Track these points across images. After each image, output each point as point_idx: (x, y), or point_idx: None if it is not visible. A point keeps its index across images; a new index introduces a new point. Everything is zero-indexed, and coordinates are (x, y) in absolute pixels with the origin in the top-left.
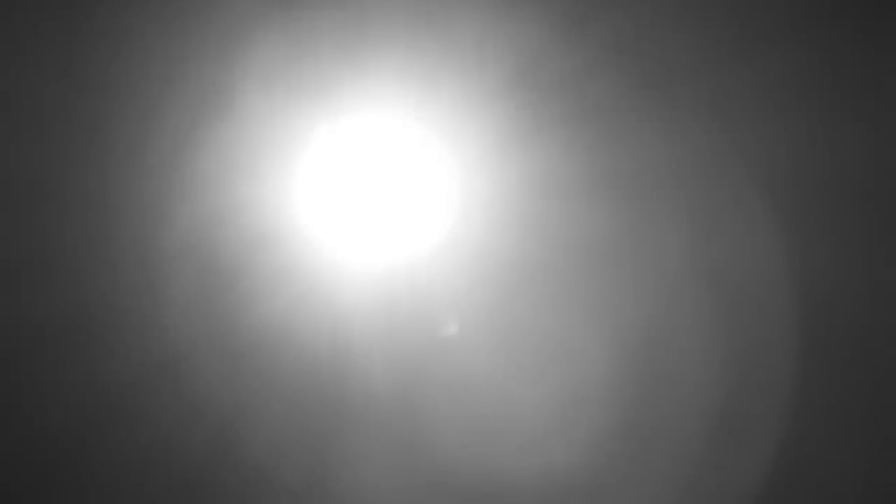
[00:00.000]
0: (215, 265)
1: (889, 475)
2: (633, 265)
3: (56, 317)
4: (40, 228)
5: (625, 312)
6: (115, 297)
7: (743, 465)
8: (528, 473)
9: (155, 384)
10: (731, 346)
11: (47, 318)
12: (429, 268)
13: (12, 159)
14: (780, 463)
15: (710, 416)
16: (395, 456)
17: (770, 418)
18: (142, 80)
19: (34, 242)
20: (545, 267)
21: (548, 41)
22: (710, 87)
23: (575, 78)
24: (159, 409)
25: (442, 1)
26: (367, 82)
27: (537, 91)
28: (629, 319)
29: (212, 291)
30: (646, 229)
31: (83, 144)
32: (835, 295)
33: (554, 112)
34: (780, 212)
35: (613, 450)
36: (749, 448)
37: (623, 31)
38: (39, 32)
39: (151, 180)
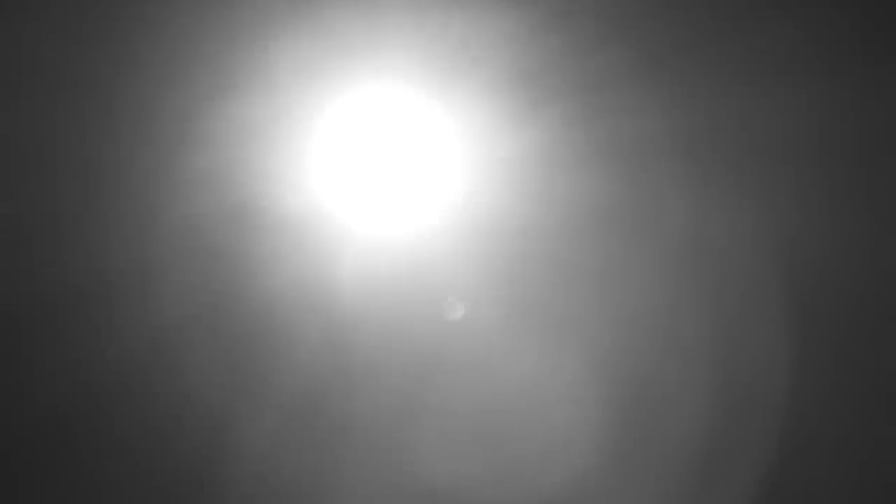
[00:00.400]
0: (222, 243)
1: (882, 474)
2: (633, 236)
3: (55, 294)
4: (40, 202)
5: (626, 284)
6: (117, 276)
7: (738, 466)
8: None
9: (154, 365)
10: (724, 330)
11: (45, 292)
12: (436, 241)
13: (23, 130)
14: (774, 463)
15: (707, 414)
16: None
17: (764, 415)
18: (156, 54)
19: (30, 214)
20: (550, 237)
21: (550, 18)
22: (705, 62)
23: (577, 52)
24: (158, 391)
25: None
26: (375, 58)
27: (540, 65)
28: (630, 293)
29: (217, 269)
30: (646, 199)
31: (94, 116)
32: (824, 266)
33: (556, 85)
34: (773, 181)
35: (610, 447)
36: (744, 450)
37: (622, 7)
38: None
39: (160, 156)
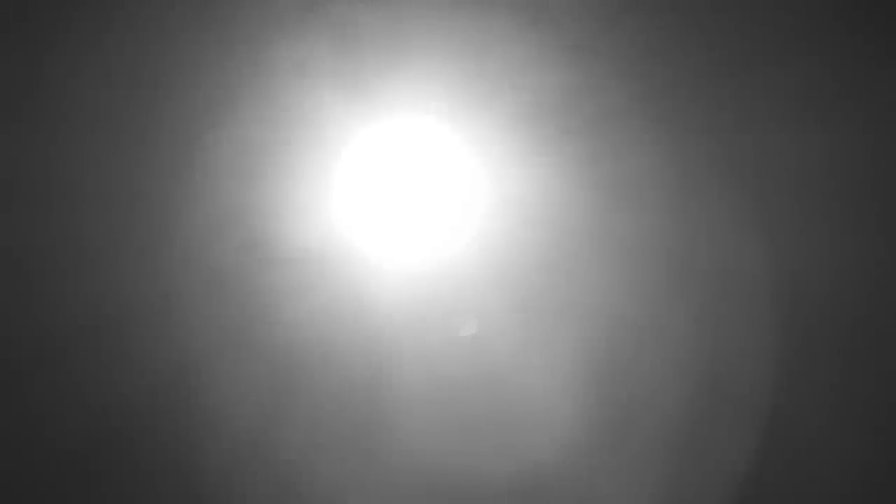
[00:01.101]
0: (244, 268)
1: (871, 473)
2: (645, 263)
3: (78, 319)
4: (61, 230)
5: (628, 310)
6: (139, 300)
7: (724, 460)
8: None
9: (177, 389)
10: (724, 343)
11: (69, 321)
12: (456, 268)
13: (34, 159)
14: (761, 458)
15: (694, 412)
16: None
17: (750, 415)
18: (174, 79)
19: (54, 244)
20: (565, 266)
21: (568, 54)
22: (711, 98)
23: (598, 87)
24: (180, 415)
25: (472, 14)
26: (399, 87)
27: (558, 100)
28: (631, 316)
29: (239, 293)
30: (663, 230)
31: (114, 144)
32: (820, 294)
33: (573, 120)
34: (775, 216)
35: (604, 445)
36: (728, 446)
37: (633, 45)
38: (67, 27)
39: (179, 182)
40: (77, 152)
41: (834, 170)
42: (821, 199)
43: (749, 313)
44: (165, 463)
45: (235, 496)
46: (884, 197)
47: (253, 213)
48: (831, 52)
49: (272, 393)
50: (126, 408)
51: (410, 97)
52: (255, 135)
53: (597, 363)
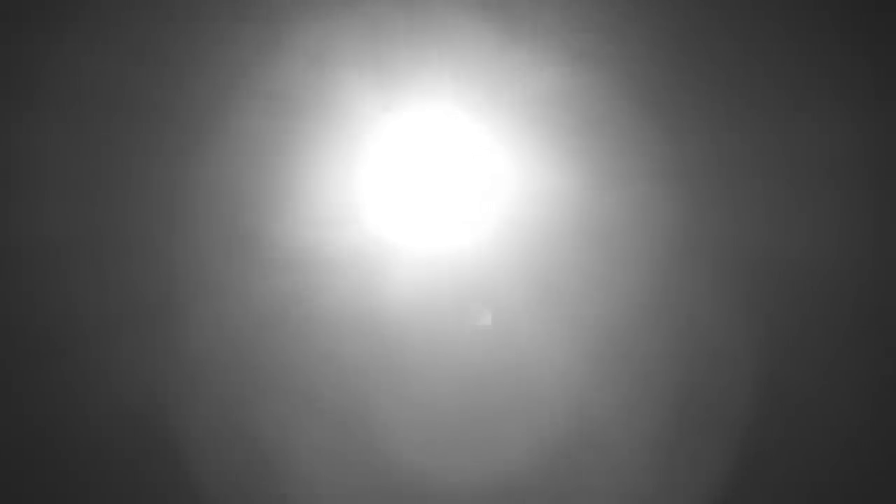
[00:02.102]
0: (271, 255)
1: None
2: (656, 254)
3: (103, 312)
4: (66, 227)
5: (639, 299)
6: (148, 297)
7: (709, 458)
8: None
9: (184, 385)
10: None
11: (72, 320)
12: (477, 258)
13: (72, 152)
14: (746, 457)
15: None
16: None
17: (737, 412)
18: (192, 71)
19: (61, 241)
20: (583, 258)
21: (597, 50)
22: (726, 96)
23: (617, 81)
24: (193, 415)
25: (501, 6)
26: (422, 78)
27: (588, 88)
28: (642, 305)
29: (268, 281)
30: (672, 217)
31: (147, 134)
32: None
33: (586, 115)
34: (772, 208)
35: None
36: (715, 442)
37: (651, 43)
38: (113, 21)
39: (210, 171)
40: (89, 147)
41: (829, 164)
42: (816, 193)
43: (749, 303)
44: (166, 462)
45: (239, 492)
46: (880, 190)
47: (268, 204)
48: (828, 53)
49: (286, 385)
50: (129, 405)
51: (432, 89)
52: (275, 125)
53: (610, 351)
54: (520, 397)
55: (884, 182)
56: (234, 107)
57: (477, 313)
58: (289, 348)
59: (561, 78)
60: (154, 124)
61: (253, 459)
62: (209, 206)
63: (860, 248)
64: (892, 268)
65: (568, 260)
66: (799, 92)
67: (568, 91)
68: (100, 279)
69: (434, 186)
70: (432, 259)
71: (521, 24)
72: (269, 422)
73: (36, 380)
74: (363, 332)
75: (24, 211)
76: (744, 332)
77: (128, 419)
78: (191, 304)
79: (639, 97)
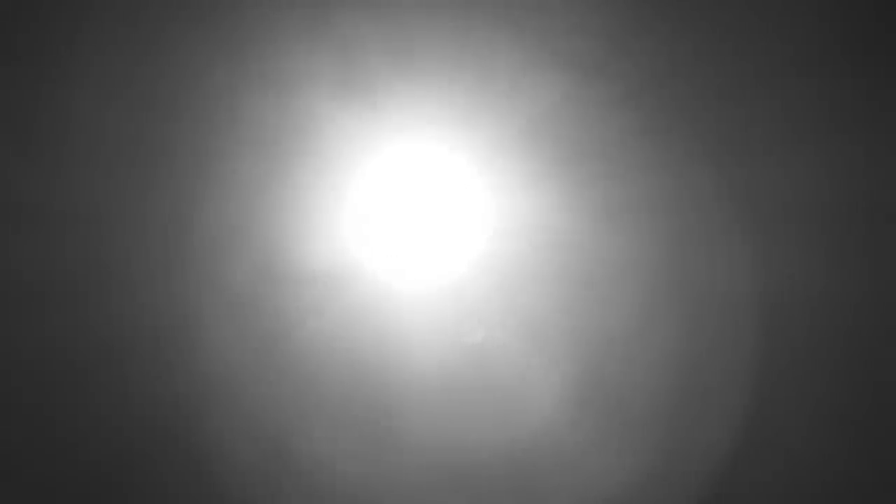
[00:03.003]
0: (258, 288)
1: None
2: (642, 280)
3: (114, 334)
4: (77, 253)
5: (626, 324)
6: (158, 321)
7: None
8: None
9: (207, 400)
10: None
11: (84, 345)
12: (465, 286)
13: (71, 182)
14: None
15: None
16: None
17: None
18: (185, 100)
19: (71, 267)
20: (567, 284)
21: (575, 79)
22: (711, 122)
23: (599, 113)
24: (211, 425)
25: (481, 37)
26: (406, 107)
27: (567, 125)
28: (628, 330)
29: (254, 312)
30: (660, 250)
31: (142, 167)
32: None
33: (576, 145)
34: (770, 234)
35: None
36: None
37: (638, 70)
38: (104, 52)
39: (192, 202)
40: (92, 176)
41: (826, 189)
42: (816, 219)
43: (741, 326)
44: (190, 472)
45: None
46: (877, 215)
47: (263, 233)
48: (830, 76)
49: (289, 406)
50: (148, 424)
51: (418, 117)
52: (264, 155)
53: (595, 372)
54: (501, 414)
55: (867, 215)
56: (230, 141)
57: (467, 334)
58: (282, 374)
59: (555, 106)
60: (166, 159)
61: (272, 467)
62: (209, 237)
63: (844, 279)
64: (875, 297)
65: (549, 287)
66: (787, 125)
67: (562, 120)
68: (124, 302)
69: (419, 216)
70: (422, 287)
71: (501, 54)
72: (287, 430)
73: (66, 397)
74: (361, 353)
75: (42, 242)
76: (725, 363)
77: (153, 431)
78: (210, 322)
79: (623, 129)
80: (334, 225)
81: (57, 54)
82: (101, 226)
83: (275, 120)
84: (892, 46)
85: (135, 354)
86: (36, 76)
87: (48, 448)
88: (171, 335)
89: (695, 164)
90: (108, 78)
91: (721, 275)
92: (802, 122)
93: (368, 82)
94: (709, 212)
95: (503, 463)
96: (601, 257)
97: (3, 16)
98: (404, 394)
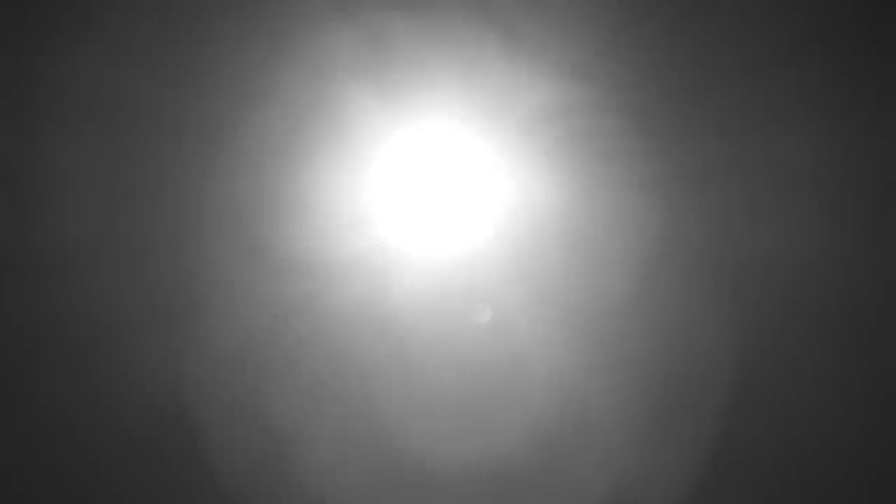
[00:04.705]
0: (280, 262)
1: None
2: (650, 256)
3: (126, 313)
4: (79, 234)
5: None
6: (161, 303)
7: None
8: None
9: (208, 382)
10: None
11: (116, 315)
12: (475, 261)
13: (96, 163)
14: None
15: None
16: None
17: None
18: (202, 80)
19: (106, 241)
20: (575, 261)
21: (589, 66)
22: (717, 103)
23: (607, 95)
24: (212, 406)
25: (500, 25)
26: (424, 92)
27: (583, 102)
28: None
29: (272, 287)
30: (668, 226)
31: (165, 145)
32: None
33: (589, 123)
34: (770, 212)
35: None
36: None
37: (647, 52)
38: (138, 32)
39: (224, 180)
40: (111, 157)
41: (810, 171)
42: (799, 199)
43: (731, 305)
44: (188, 453)
45: (256, 489)
46: (860, 195)
47: (277, 212)
48: (830, 57)
49: (296, 388)
50: (143, 411)
51: (434, 102)
52: (281, 135)
53: (599, 348)
54: (515, 390)
55: (864, 187)
56: (247, 119)
57: (477, 312)
58: (300, 346)
59: (561, 89)
60: (172, 136)
61: (268, 449)
62: (225, 213)
63: (841, 251)
64: (871, 271)
65: (559, 264)
66: (781, 102)
67: (568, 102)
68: (122, 283)
69: (435, 195)
70: (434, 263)
71: (520, 39)
72: (283, 414)
73: (62, 378)
74: (370, 330)
75: (50, 218)
76: (725, 331)
77: (151, 414)
78: (208, 306)
79: (629, 111)
80: (348, 205)
81: (79, 23)
82: (107, 203)
83: (297, 100)
84: (875, 32)
85: (136, 334)
86: (43, 50)
87: (49, 430)
88: (173, 316)
89: (700, 142)
90: (126, 53)
91: (720, 243)
92: (791, 98)
93: (388, 63)
94: (711, 185)
95: (518, 446)
96: (607, 230)
97: None
98: (415, 375)
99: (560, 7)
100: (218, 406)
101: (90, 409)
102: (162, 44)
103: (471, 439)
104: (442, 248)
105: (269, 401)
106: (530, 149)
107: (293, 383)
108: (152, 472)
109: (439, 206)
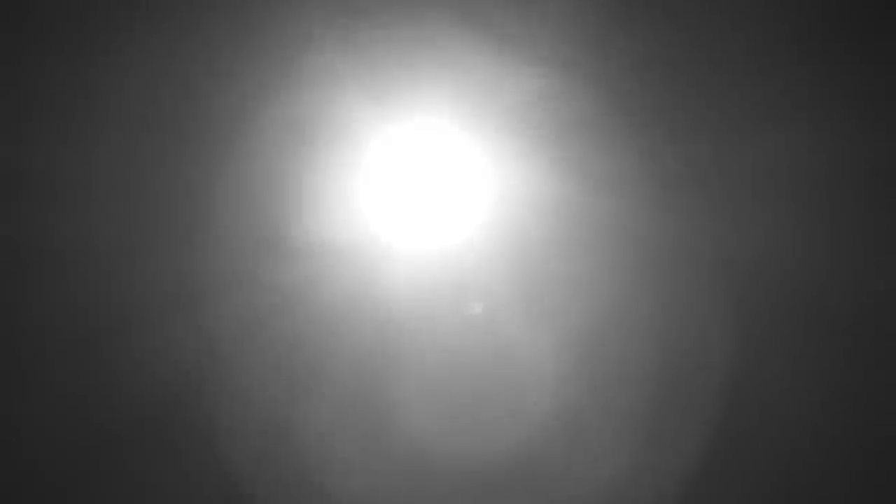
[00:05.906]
0: (265, 260)
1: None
2: (634, 251)
3: (137, 304)
4: (88, 227)
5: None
6: (164, 294)
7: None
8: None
9: (200, 378)
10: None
11: (127, 306)
12: (465, 255)
13: (106, 154)
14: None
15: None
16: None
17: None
18: (203, 84)
19: (82, 240)
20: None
21: (578, 57)
22: (702, 102)
23: (597, 86)
24: (208, 403)
25: (488, 20)
26: (413, 91)
27: (569, 97)
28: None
29: (266, 279)
30: (652, 221)
31: (144, 144)
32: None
33: (568, 120)
34: (747, 211)
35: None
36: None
37: (634, 52)
38: (136, 32)
39: (228, 178)
40: (108, 152)
41: (809, 172)
42: (796, 200)
43: (726, 303)
44: (198, 441)
45: (257, 474)
46: (873, 194)
47: (277, 207)
48: (818, 57)
49: (290, 377)
50: (156, 391)
51: (424, 97)
52: (280, 135)
53: (590, 343)
54: (505, 383)
55: (854, 187)
56: (241, 117)
57: (467, 305)
58: (301, 334)
59: (546, 84)
60: (171, 134)
61: (276, 437)
62: (217, 208)
63: (831, 251)
64: (862, 270)
65: (549, 257)
66: (779, 100)
67: (553, 97)
68: (122, 278)
69: (424, 189)
70: (424, 256)
71: (507, 34)
72: (287, 400)
73: (75, 368)
74: (360, 323)
75: (63, 213)
76: (716, 329)
77: (161, 402)
78: (214, 296)
79: (622, 104)
80: (340, 197)
81: (80, 29)
82: (112, 197)
83: (289, 102)
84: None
85: (144, 323)
86: (55, 50)
87: (60, 418)
88: (180, 304)
89: (686, 139)
90: (129, 56)
91: (716, 241)
92: (789, 96)
93: (379, 61)
94: (707, 184)
95: (508, 438)
96: (600, 224)
97: None
98: (407, 366)
99: (548, 4)
100: (220, 396)
101: (94, 401)
102: (162, 45)
103: (460, 432)
104: (432, 242)
105: (266, 392)
106: (519, 143)
107: (287, 375)
108: (157, 463)
109: (429, 200)
